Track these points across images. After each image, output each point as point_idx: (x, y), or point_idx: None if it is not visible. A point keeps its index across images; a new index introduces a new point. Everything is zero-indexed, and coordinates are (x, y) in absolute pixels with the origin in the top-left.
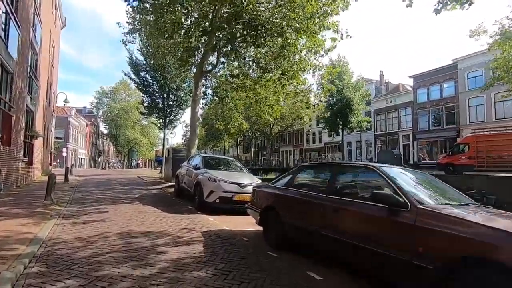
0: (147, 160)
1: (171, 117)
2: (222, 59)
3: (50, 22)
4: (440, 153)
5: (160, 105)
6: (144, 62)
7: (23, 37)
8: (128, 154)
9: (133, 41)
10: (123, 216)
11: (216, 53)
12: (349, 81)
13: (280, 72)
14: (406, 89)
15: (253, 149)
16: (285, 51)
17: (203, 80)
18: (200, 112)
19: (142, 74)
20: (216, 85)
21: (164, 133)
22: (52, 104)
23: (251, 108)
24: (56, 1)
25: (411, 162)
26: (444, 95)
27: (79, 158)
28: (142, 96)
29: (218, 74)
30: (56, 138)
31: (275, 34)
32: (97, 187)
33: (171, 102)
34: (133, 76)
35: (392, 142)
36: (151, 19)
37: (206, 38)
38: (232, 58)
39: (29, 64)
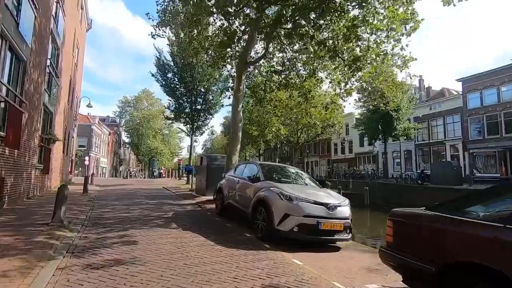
0: (170, 169)
1: (199, 122)
2: (272, 46)
3: (75, 18)
4: (499, 165)
5: (187, 110)
6: (172, 62)
7: (41, 23)
8: (149, 163)
9: (162, 35)
10: (161, 253)
11: (265, 38)
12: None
13: (351, 58)
14: (452, 94)
15: (277, 160)
16: (357, 30)
17: (244, 77)
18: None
19: (169, 75)
20: (254, 84)
21: (191, 140)
22: (75, 108)
23: (293, 110)
24: (82, 0)
25: (463, 175)
26: (502, 100)
27: (101, 166)
28: (169, 100)
29: (260, 68)
30: (80, 146)
31: (353, 6)
32: (120, 201)
33: (198, 107)
34: (159, 78)
35: (437, 152)
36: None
37: (255, 18)
38: (295, 39)
39: (49, 57)
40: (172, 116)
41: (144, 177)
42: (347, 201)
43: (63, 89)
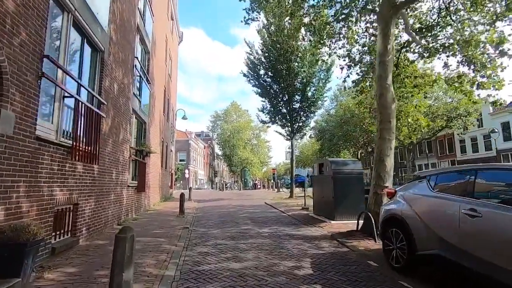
0: (266, 179)
1: (299, 123)
2: None
3: (165, 26)
4: None
5: (284, 110)
6: (263, 58)
7: (122, 11)
8: (241, 174)
9: (256, 17)
10: None
11: None
12: None
13: None
14: None
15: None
16: None
17: (393, 29)
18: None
19: (261, 72)
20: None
21: (292, 144)
22: (171, 121)
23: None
24: (172, 10)
25: None
26: None
27: (199, 179)
28: (262, 101)
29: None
30: (180, 160)
31: None
32: (222, 228)
33: (296, 105)
34: (251, 78)
35: None
36: None
37: None
38: None
39: (136, 56)
40: (267, 119)
41: (240, 189)
42: None
43: (157, 98)
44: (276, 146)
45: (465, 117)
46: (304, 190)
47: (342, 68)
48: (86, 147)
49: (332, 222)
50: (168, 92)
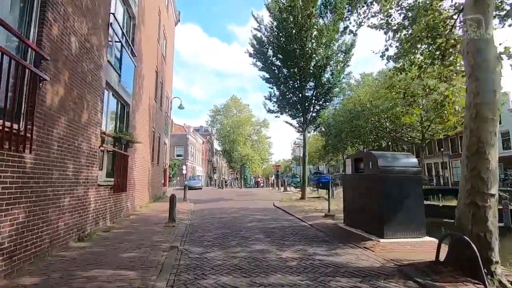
0: (269, 177)
1: (313, 113)
2: None
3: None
4: None
5: (295, 98)
6: (273, 37)
7: None
8: (240, 171)
9: None
10: None
11: None
12: None
13: None
14: None
15: None
16: None
17: None
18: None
19: (269, 53)
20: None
21: (304, 138)
22: (166, 109)
23: None
24: None
25: None
26: None
27: (197, 175)
28: (269, 88)
29: None
30: (177, 155)
31: None
32: (225, 248)
33: (309, 93)
34: (256, 60)
35: None
36: None
37: None
38: None
39: (114, 13)
40: (275, 108)
41: (240, 187)
42: None
43: (146, 79)
44: (277, 143)
45: None
46: (329, 193)
47: (386, 33)
48: (19, 125)
49: (381, 240)
50: (162, 76)
